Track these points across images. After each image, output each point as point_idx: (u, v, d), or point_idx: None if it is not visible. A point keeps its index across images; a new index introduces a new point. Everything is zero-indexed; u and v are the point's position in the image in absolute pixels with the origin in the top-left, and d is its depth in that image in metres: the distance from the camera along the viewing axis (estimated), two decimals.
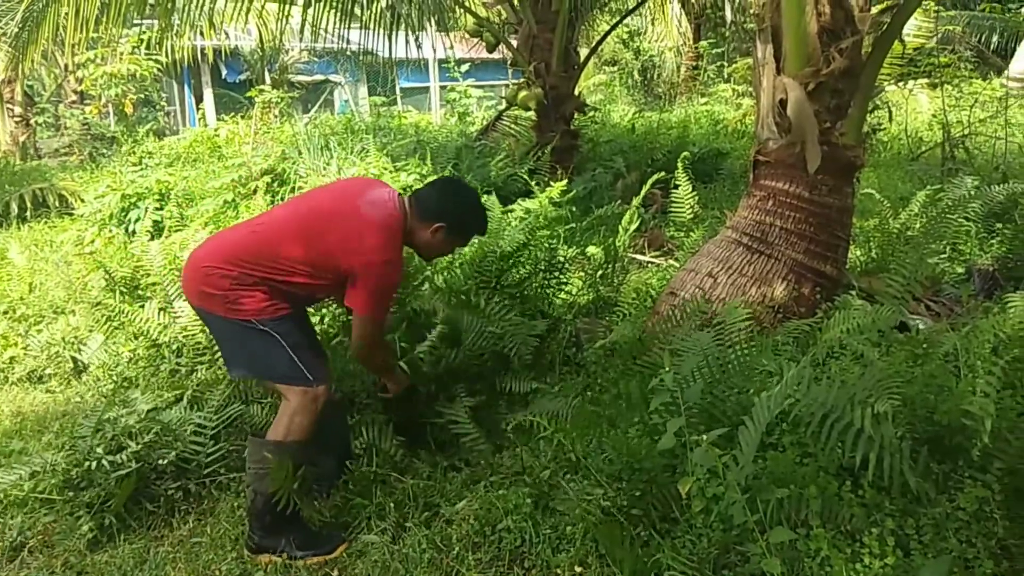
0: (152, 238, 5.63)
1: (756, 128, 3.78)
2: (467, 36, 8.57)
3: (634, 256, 5.34)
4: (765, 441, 2.16)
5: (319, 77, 16.87)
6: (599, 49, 10.23)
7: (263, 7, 7.45)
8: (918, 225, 4.63)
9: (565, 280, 4.22)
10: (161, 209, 6.46)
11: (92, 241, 6.08)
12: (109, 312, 4.13)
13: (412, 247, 2.85)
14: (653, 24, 15.40)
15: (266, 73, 15.49)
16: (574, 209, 5.70)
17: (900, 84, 9.62)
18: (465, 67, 13.54)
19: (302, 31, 7.25)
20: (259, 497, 2.56)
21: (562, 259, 4.24)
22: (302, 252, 2.56)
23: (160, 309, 4.08)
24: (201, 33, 7.67)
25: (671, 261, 5.21)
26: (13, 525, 2.86)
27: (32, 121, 13.54)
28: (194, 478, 3.02)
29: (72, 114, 13.52)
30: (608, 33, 8.98)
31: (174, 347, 3.93)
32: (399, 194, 2.75)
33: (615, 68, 18.40)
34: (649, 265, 5.28)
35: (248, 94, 11.48)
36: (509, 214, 5.11)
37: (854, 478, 2.04)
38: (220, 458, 3.08)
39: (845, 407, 1.99)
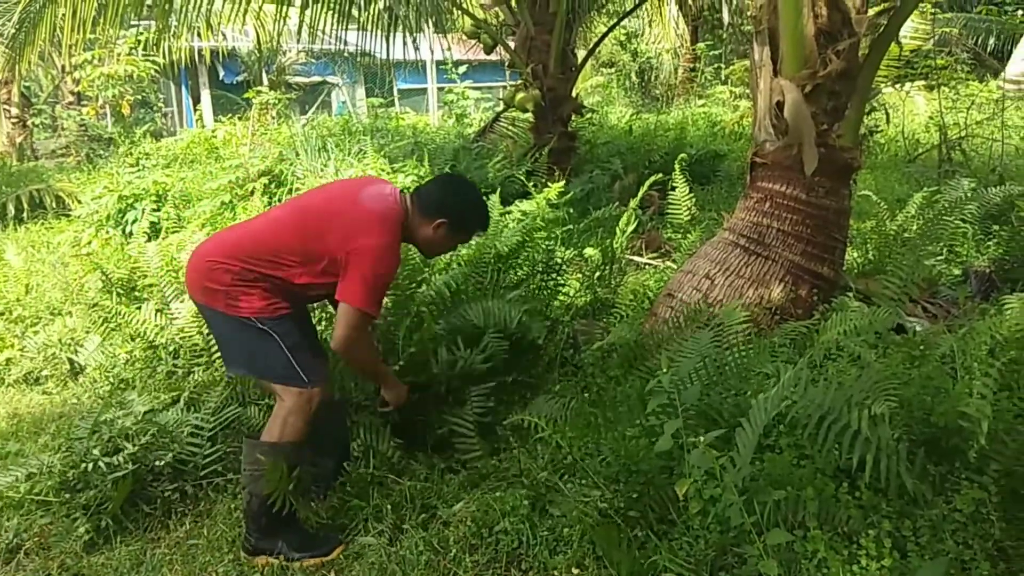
0: (149, 239, 5.62)
1: (753, 130, 3.79)
2: (465, 38, 8.57)
3: (631, 258, 5.35)
4: (762, 443, 2.16)
5: (316, 78, 16.87)
6: (596, 51, 10.25)
7: (261, 8, 7.44)
8: (915, 227, 4.64)
9: (563, 282, 4.22)
10: (158, 210, 6.45)
11: (89, 242, 6.08)
12: (106, 313, 4.12)
13: (414, 244, 2.86)
14: (650, 26, 15.42)
15: (263, 74, 15.49)
16: (571, 211, 5.71)
17: (897, 86, 9.64)
18: (463, 69, 13.57)
19: (299, 32, 7.26)
20: (255, 499, 2.56)
21: (560, 261, 4.24)
22: (300, 245, 2.56)
23: (157, 311, 4.07)
24: (198, 34, 7.66)
25: (668, 263, 5.21)
26: (9, 527, 2.85)
27: (29, 122, 13.52)
28: (191, 480, 3.01)
29: (69, 115, 13.50)
30: (605, 35, 9.00)
31: (171, 349, 3.92)
32: (400, 190, 2.76)
33: (612, 70, 18.42)
34: (646, 267, 5.28)
35: (245, 95, 11.46)
36: (507, 215, 5.11)
37: (851, 480, 2.04)
38: (217, 460, 3.07)
39: (842, 409, 2.00)
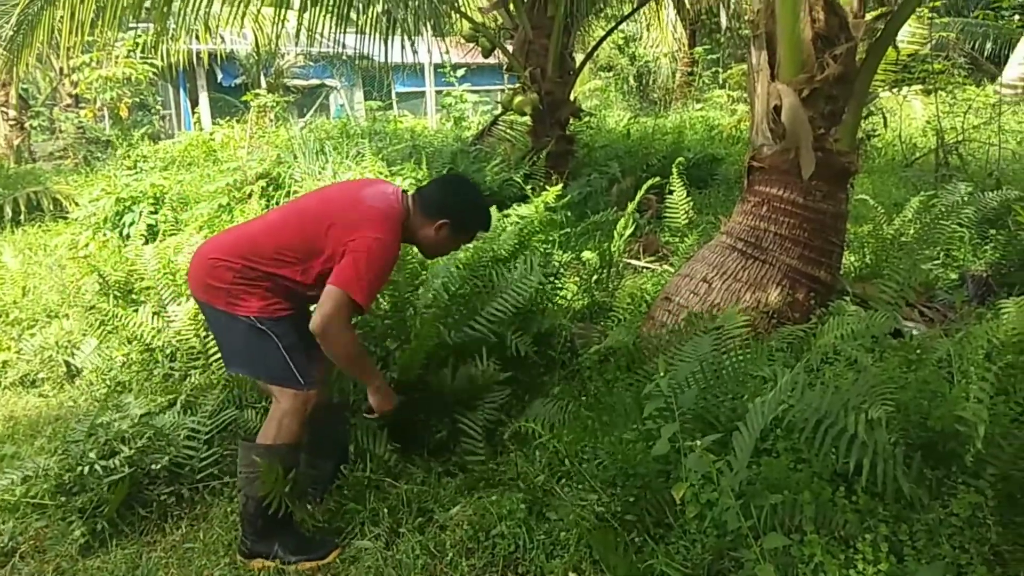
0: (146, 242, 5.62)
1: (751, 134, 3.79)
2: (463, 41, 8.57)
3: (629, 261, 5.35)
4: (759, 447, 2.16)
5: (315, 81, 16.90)
6: (595, 55, 10.27)
7: (259, 11, 7.44)
8: (912, 231, 4.64)
9: (560, 285, 4.22)
10: (156, 213, 6.45)
11: (86, 245, 6.08)
12: (103, 316, 4.11)
13: (415, 244, 2.85)
14: (648, 30, 15.46)
15: (262, 77, 15.49)
16: (569, 214, 5.71)
17: (894, 90, 9.67)
18: (461, 72, 13.57)
19: (298, 35, 7.27)
20: (250, 501, 2.55)
21: (557, 264, 4.24)
22: (302, 241, 2.56)
23: (154, 313, 4.07)
24: (197, 37, 7.66)
25: (666, 266, 5.21)
26: (4, 530, 2.84)
27: (27, 124, 13.51)
28: (187, 483, 3.00)
29: (67, 117, 13.49)
30: (604, 39, 9.00)
31: (168, 351, 3.92)
32: (403, 191, 2.76)
33: (611, 73, 18.44)
34: (644, 270, 5.28)
35: (244, 98, 11.48)
36: (505, 219, 5.11)
37: (848, 484, 2.04)
38: (213, 463, 3.06)
39: (839, 413, 2.00)
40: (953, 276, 4.43)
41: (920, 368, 2.46)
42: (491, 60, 8.99)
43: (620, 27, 11.73)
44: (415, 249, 3.13)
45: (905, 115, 10.40)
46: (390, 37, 7.89)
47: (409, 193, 2.77)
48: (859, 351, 2.63)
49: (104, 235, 6.31)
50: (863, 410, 1.95)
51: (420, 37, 8.30)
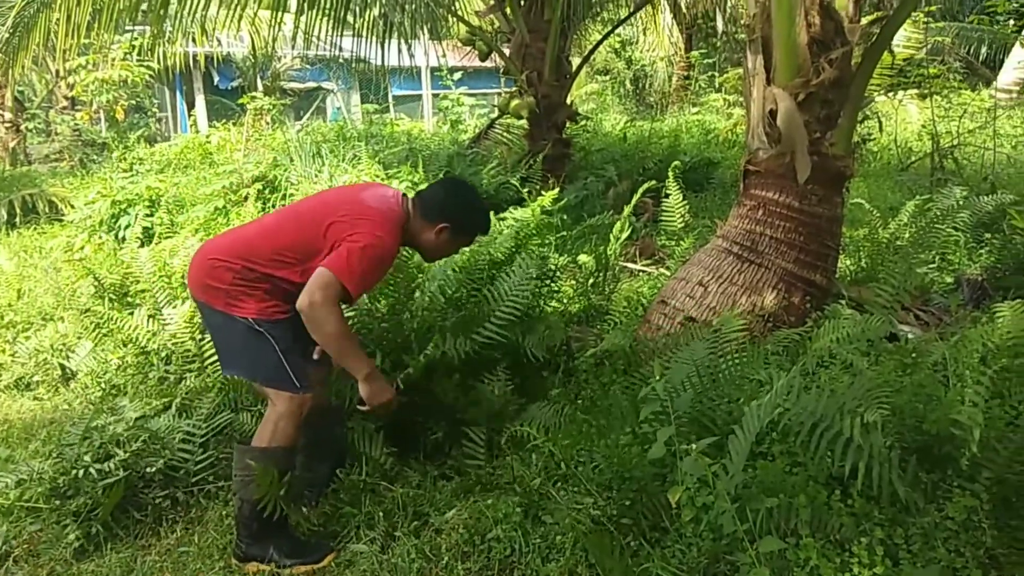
0: (142, 245, 5.61)
1: (746, 138, 3.80)
2: (460, 45, 8.58)
3: (625, 264, 5.35)
4: (755, 450, 2.16)
5: (311, 84, 16.89)
6: (591, 58, 10.28)
7: (256, 14, 7.44)
8: (907, 235, 4.65)
9: (556, 288, 4.22)
10: (151, 216, 6.44)
11: (82, 247, 6.07)
12: (98, 319, 4.11)
13: (415, 247, 2.86)
14: (645, 34, 15.51)
15: (258, 80, 15.50)
16: (565, 217, 5.72)
17: (890, 95, 9.69)
18: (458, 75, 13.57)
19: (294, 38, 7.25)
20: (245, 505, 2.55)
21: (553, 267, 4.24)
22: (302, 241, 2.56)
23: (149, 316, 4.06)
24: (193, 40, 7.68)
25: (662, 270, 5.22)
26: None
27: (23, 127, 13.49)
28: (182, 487, 3.00)
29: (63, 120, 13.47)
30: (600, 43, 9.01)
31: (163, 354, 3.91)
32: (404, 194, 2.76)
33: (607, 77, 18.48)
34: (640, 273, 5.29)
35: (240, 101, 11.47)
36: (501, 222, 5.11)
37: (843, 487, 2.04)
38: (209, 466, 3.06)
39: (834, 416, 2.00)
40: (948, 280, 4.44)
41: (915, 372, 2.46)
42: (488, 64, 8.99)
43: (616, 31, 11.76)
44: (409, 252, 3.13)
45: (901, 119, 10.44)
46: (387, 40, 7.89)
47: (409, 197, 2.77)
48: (855, 355, 2.63)
49: (100, 238, 6.30)
50: (859, 414, 1.95)
51: (417, 40, 8.30)
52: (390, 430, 3.12)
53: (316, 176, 7.03)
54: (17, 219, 7.97)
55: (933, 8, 9.98)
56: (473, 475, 2.92)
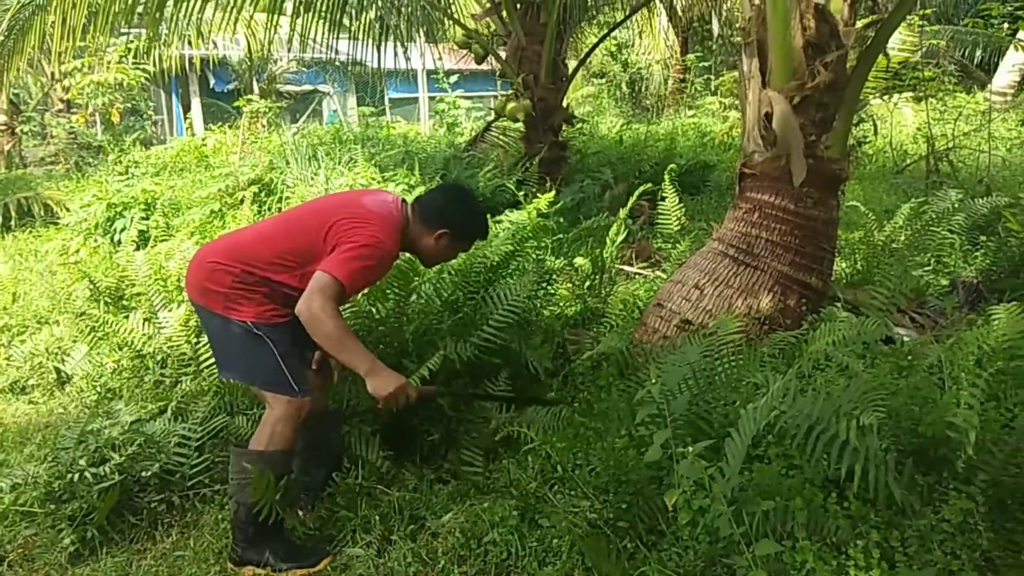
0: (138, 248, 5.60)
1: (742, 141, 3.80)
2: (456, 47, 8.59)
3: (621, 267, 5.35)
4: (751, 453, 2.16)
5: (307, 87, 16.88)
6: (587, 61, 10.28)
7: (251, 17, 7.45)
8: (903, 238, 4.66)
9: (552, 291, 4.22)
10: (147, 219, 6.42)
11: (77, 251, 6.04)
12: (93, 322, 4.10)
13: (414, 253, 2.86)
14: (641, 37, 15.49)
15: (254, 83, 15.47)
16: (562, 220, 5.72)
17: (885, 98, 9.71)
18: (454, 78, 13.58)
19: (290, 41, 7.25)
20: (241, 508, 2.54)
21: (550, 270, 4.24)
22: (302, 244, 2.56)
23: (145, 320, 4.05)
24: (189, 42, 7.67)
25: (658, 272, 5.22)
26: None
27: (18, 130, 13.44)
28: (178, 490, 2.99)
29: (58, 123, 13.44)
30: (596, 45, 9.01)
31: (159, 358, 3.90)
32: (403, 200, 2.76)
33: (603, 80, 18.49)
34: (636, 276, 5.29)
35: (236, 104, 11.46)
36: (497, 225, 5.11)
37: (839, 490, 2.04)
38: (204, 470, 3.05)
39: (830, 419, 2.00)
40: (944, 282, 4.44)
41: (911, 374, 2.47)
42: (484, 66, 9.00)
43: (613, 34, 11.75)
44: (406, 255, 3.12)
45: (896, 122, 10.47)
46: (383, 43, 7.90)
47: (408, 202, 2.78)
48: (850, 357, 2.63)
49: (95, 241, 6.28)
50: (854, 416, 1.95)
51: (413, 43, 8.31)
52: (386, 433, 3.12)
53: (312, 179, 7.03)
54: (12, 222, 7.95)
55: (928, 11, 10.00)
56: (469, 479, 2.92)
